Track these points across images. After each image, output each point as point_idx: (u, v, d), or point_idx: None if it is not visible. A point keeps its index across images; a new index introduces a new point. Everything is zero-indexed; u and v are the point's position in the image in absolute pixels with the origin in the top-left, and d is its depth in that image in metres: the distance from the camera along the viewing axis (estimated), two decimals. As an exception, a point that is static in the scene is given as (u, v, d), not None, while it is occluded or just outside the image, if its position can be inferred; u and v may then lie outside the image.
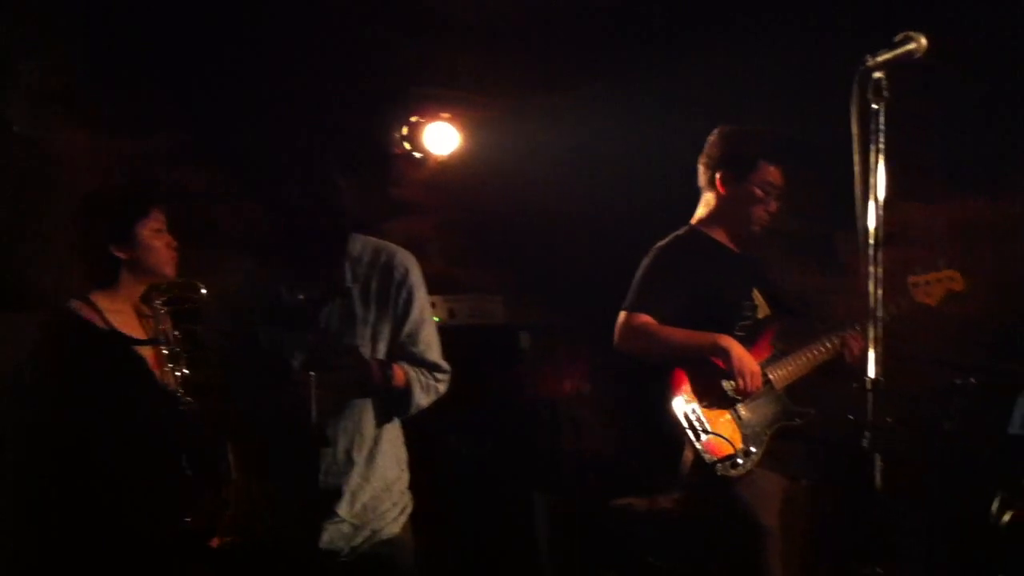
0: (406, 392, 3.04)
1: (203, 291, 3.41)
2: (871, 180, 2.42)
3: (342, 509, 3.00)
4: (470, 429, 4.87)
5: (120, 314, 3.42)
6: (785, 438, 3.65)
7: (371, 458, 3.05)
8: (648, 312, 3.64)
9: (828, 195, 4.50)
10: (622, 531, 5.00)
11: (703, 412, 3.57)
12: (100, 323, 3.35)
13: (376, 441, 3.07)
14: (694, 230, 3.84)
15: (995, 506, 4.02)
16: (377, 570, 3.07)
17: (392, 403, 3.07)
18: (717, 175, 3.79)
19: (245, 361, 3.02)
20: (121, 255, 3.38)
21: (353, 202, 2.96)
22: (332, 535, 3.00)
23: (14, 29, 4.25)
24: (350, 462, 3.02)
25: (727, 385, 3.59)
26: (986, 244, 5.29)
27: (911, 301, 3.85)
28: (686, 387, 3.61)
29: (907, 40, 2.50)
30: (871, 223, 2.43)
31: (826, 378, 3.80)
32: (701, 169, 3.86)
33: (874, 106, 2.42)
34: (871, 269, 2.43)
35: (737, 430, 3.59)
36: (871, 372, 2.40)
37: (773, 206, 3.80)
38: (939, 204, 5.36)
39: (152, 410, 3.27)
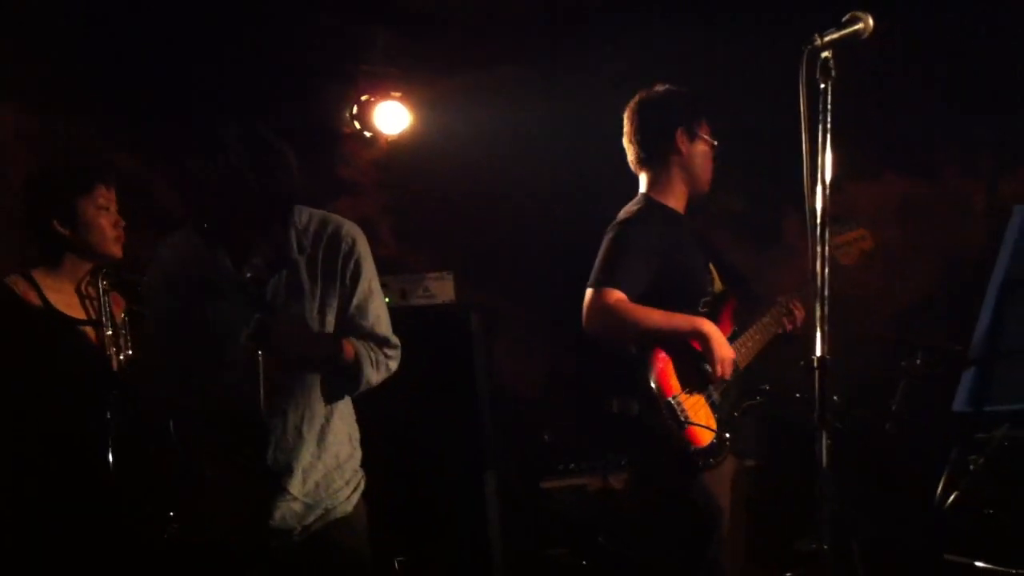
0: (356, 367, 2.97)
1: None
2: (819, 159, 2.43)
3: (293, 487, 2.95)
4: (422, 409, 4.85)
5: (60, 292, 3.39)
6: (744, 415, 3.62)
7: (322, 435, 3.00)
8: (619, 287, 3.42)
9: (774, 175, 4.55)
10: (574, 511, 5.04)
11: (683, 400, 3.45)
12: (36, 300, 3.31)
13: (327, 418, 3.02)
14: (649, 201, 3.68)
15: (940, 486, 4.07)
16: (329, 549, 3.02)
17: (342, 379, 3.01)
18: (677, 133, 3.65)
19: (190, 338, 2.95)
20: (64, 231, 3.35)
21: (298, 173, 2.89)
22: (284, 513, 2.95)
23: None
24: (300, 438, 2.96)
25: (702, 371, 3.49)
26: (928, 223, 5.36)
27: (835, 262, 3.68)
28: (667, 373, 3.48)
29: (855, 20, 2.51)
30: (818, 202, 2.44)
31: (772, 353, 3.78)
32: (634, 147, 3.71)
33: (822, 85, 2.43)
34: (818, 249, 2.43)
35: (712, 416, 3.50)
36: (818, 350, 2.41)
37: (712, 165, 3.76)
38: (880, 183, 5.43)
39: (89, 390, 3.25)
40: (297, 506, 2.97)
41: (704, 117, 3.72)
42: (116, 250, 3.43)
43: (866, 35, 2.52)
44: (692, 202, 3.76)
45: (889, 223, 5.20)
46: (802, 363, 2.43)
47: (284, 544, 2.98)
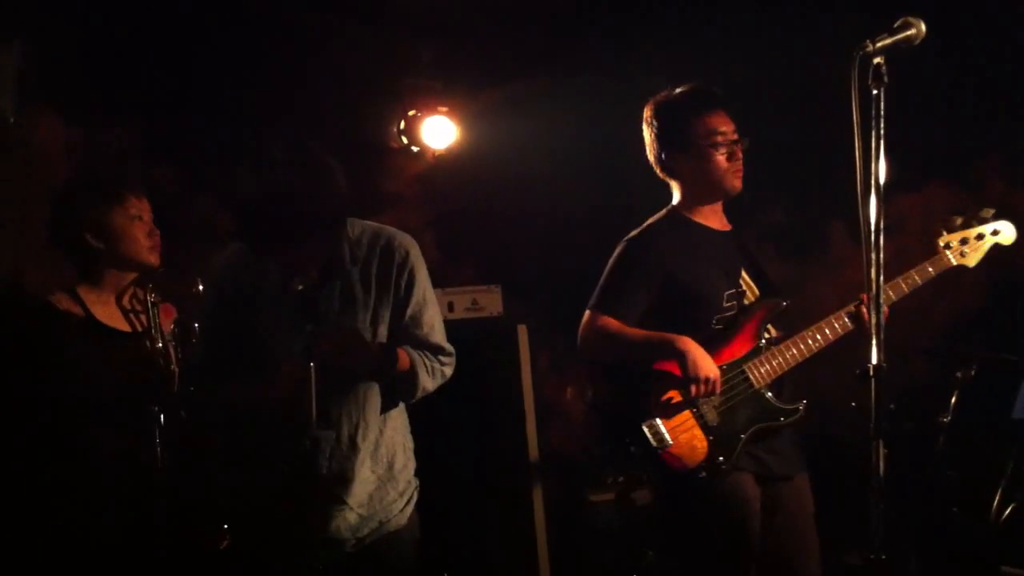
0: (411, 375, 2.98)
1: (200, 286, 3.35)
2: (872, 167, 2.41)
3: (349, 497, 2.96)
4: (469, 422, 4.86)
5: (105, 305, 3.40)
6: (768, 437, 3.40)
7: (376, 446, 3.01)
8: (611, 312, 3.40)
9: (817, 185, 4.52)
10: (623, 525, 5.01)
11: (663, 424, 3.31)
12: (80, 315, 3.34)
13: (381, 429, 3.03)
14: (671, 213, 3.57)
15: (997, 498, 4.02)
16: (383, 564, 3.02)
17: (397, 387, 3.02)
18: (663, 156, 3.54)
19: (241, 348, 2.97)
20: (97, 245, 3.36)
21: (347, 187, 2.88)
22: (338, 523, 2.96)
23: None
24: (354, 448, 2.96)
25: (680, 392, 3.33)
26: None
27: (944, 264, 3.51)
28: (647, 396, 3.36)
29: (907, 26, 2.50)
30: (872, 209, 2.42)
31: (819, 366, 3.55)
32: (652, 161, 3.60)
33: (874, 91, 2.41)
34: (872, 256, 2.41)
35: (703, 438, 3.32)
36: (874, 358, 2.38)
37: (736, 152, 3.48)
38: (926, 194, 5.37)
39: (140, 402, 3.27)
40: (352, 517, 2.98)
41: (695, 115, 3.49)
42: (152, 259, 3.43)
43: (918, 41, 2.50)
44: (731, 207, 3.62)
45: (934, 233, 5.15)
46: (857, 371, 2.40)
47: (336, 556, 2.98)
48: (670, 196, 3.66)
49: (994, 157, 5.39)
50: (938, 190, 5.47)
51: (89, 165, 4.54)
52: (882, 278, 2.41)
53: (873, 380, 2.37)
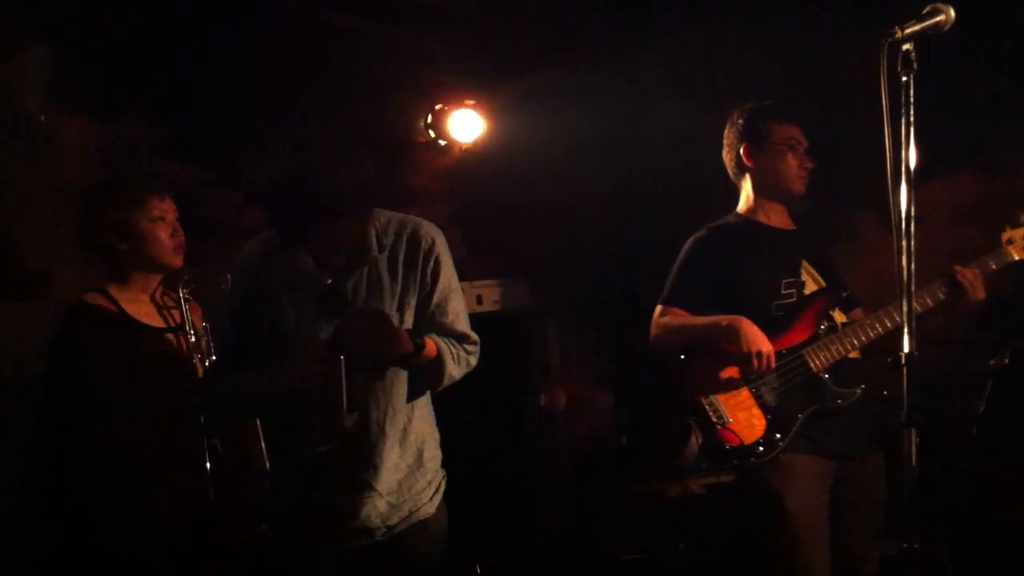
0: (438, 363, 2.99)
1: (229, 283, 3.39)
2: (902, 154, 2.40)
3: (379, 484, 2.98)
4: (496, 415, 4.87)
5: (137, 303, 3.44)
6: (826, 418, 3.53)
7: (405, 433, 3.03)
8: (678, 304, 3.68)
9: (849, 175, 4.50)
10: (654, 516, 5.00)
11: (720, 401, 3.52)
12: (114, 309, 3.37)
13: (409, 417, 3.05)
14: (735, 217, 3.83)
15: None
16: (412, 551, 3.05)
17: (424, 375, 3.03)
18: (741, 151, 3.78)
19: (270, 335, 2.99)
20: (123, 247, 3.40)
21: (375, 174, 2.90)
22: (368, 511, 2.98)
23: (25, 17, 4.26)
24: (383, 435, 2.98)
25: (738, 367, 3.53)
26: (1008, 222, 5.24)
27: (1006, 259, 3.59)
28: (705, 375, 3.57)
29: (935, 12, 2.48)
30: (903, 198, 2.40)
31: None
32: (727, 161, 3.86)
33: (903, 78, 2.40)
34: (903, 244, 2.40)
35: (761, 416, 3.51)
36: (906, 346, 2.37)
37: (806, 162, 3.75)
38: (957, 182, 5.33)
39: (178, 396, 3.29)
40: (382, 504, 3.00)
41: (775, 121, 3.76)
42: (176, 260, 3.46)
43: (947, 27, 2.49)
44: (795, 208, 3.85)
45: (966, 222, 5.11)
46: (889, 360, 2.40)
47: (368, 544, 3.01)
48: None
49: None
50: (967, 178, 5.43)
51: (113, 166, 4.58)
52: (913, 266, 2.40)
53: (905, 369, 2.37)
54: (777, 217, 3.80)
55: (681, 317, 3.65)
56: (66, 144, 4.57)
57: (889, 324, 3.51)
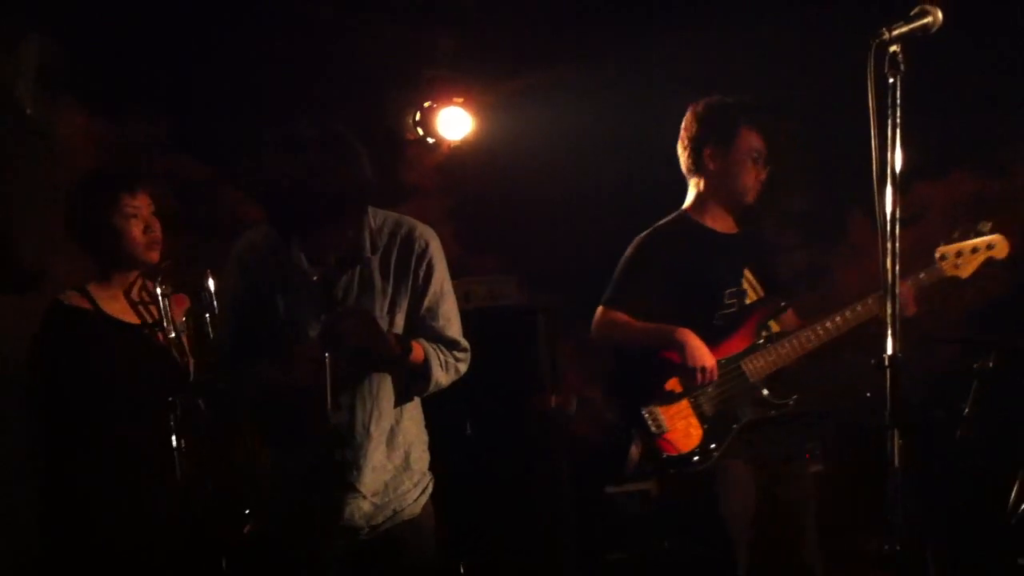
0: (425, 368, 2.98)
1: (211, 279, 3.44)
2: (888, 156, 2.40)
3: (362, 485, 2.97)
4: (487, 412, 4.87)
5: (115, 300, 3.46)
6: (761, 425, 3.60)
7: (392, 436, 3.02)
8: (621, 308, 3.66)
9: (841, 173, 4.50)
10: (639, 516, 5.01)
11: (660, 411, 3.56)
12: (89, 308, 3.39)
13: (397, 420, 3.03)
14: (681, 217, 3.79)
15: (1014, 493, 3.99)
16: (397, 550, 3.04)
17: (410, 379, 3.02)
18: (705, 152, 3.72)
19: (261, 330, 2.98)
20: (99, 244, 3.42)
21: (372, 171, 2.88)
22: (352, 511, 2.97)
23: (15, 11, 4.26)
24: (368, 436, 2.97)
25: (679, 380, 3.57)
26: (998, 222, 5.25)
27: (938, 274, 3.66)
28: (646, 384, 3.60)
29: (923, 13, 2.48)
30: (888, 200, 2.41)
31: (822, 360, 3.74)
32: (683, 153, 3.79)
33: (890, 80, 2.40)
34: (888, 245, 2.40)
35: (698, 426, 3.56)
36: (889, 348, 2.38)
37: (763, 173, 3.73)
38: (949, 181, 5.34)
39: (154, 391, 3.32)
40: (366, 505, 2.99)
41: (745, 126, 3.71)
42: (150, 256, 3.47)
43: (935, 29, 2.49)
44: (741, 213, 3.79)
45: (958, 222, 5.12)
46: (873, 361, 2.40)
47: (352, 543, 3.00)
48: (683, 188, 3.84)
49: (1019, 142, 5.36)
50: (961, 177, 5.44)
51: (109, 162, 4.57)
52: (898, 268, 2.41)
53: (889, 370, 2.37)
54: (723, 221, 3.78)
55: (623, 321, 3.64)
56: (62, 139, 4.56)
57: (823, 334, 3.59)
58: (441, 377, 3.03)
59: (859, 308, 3.58)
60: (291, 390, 2.88)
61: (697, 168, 3.75)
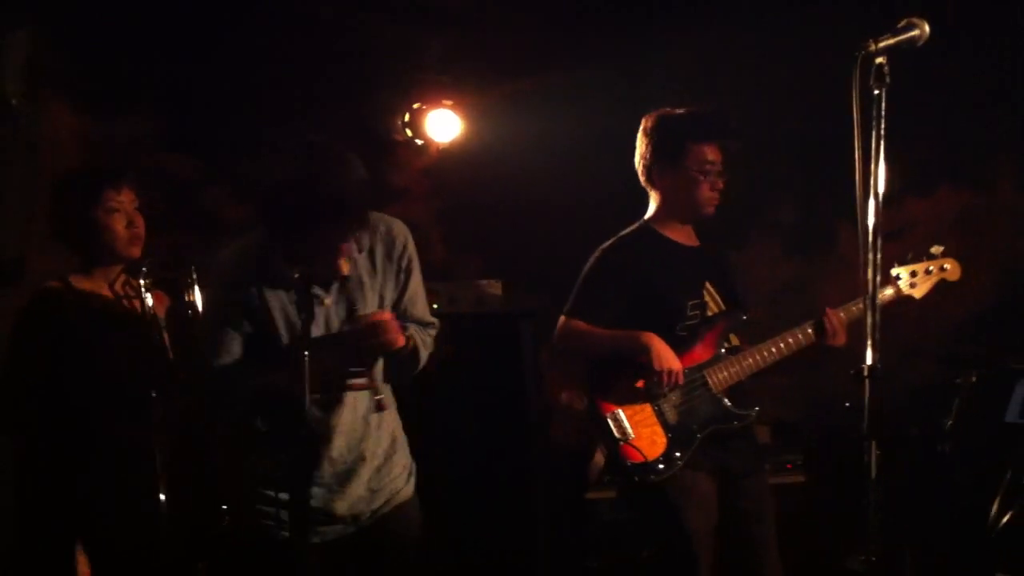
0: (415, 352, 3.17)
1: (194, 274, 3.47)
2: (872, 168, 2.40)
3: (364, 473, 3.12)
4: (469, 416, 4.87)
5: (97, 294, 3.44)
6: (724, 437, 3.59)
7: (381, 421, 3.17)
8: (583, 318, 3.62)
9: (827, 185, 4.51)
10: (620, 523, 5.01)
11: (626, 417, 3.55)
12: (73, 301, 3.39)
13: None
14: (643, 227, 3.76)
15: (995, 506, 4.00)
16: (395, 532, 3.19)
17: (404, 363, 3.18)
18: (653, 170, 3.70)
19: (246, 332, 3.04)
20: (82, 239, 3.41)
21: (365, 179, 2.92)
22: (353, 500, 3.11)
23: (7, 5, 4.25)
24: (367, 426, 3.13)
25: (645, 384, 3.55)
26: (983, 237, 5.28)
27: (892, 294, 3.72)
28: (611, 389, 3.59)
29: (910, 26, 2.49)
30: (871, 213, 2.41)
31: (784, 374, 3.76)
32: (638, 170, 3.76)
33: (875, 92, 2.40)
34: (869, 256, 2.41)
35: (662, 433, 3.54)
36: (868, 359, 2.38)
37: (718, 183, 3.67)
38: (936, 197, 5.36)
39: (135, 385, 3.33)
40: (364, 492, 3.13)
41: (692, 140, 3.64)
42: (132, 251, 3.46)
43: (921, 42, 2.50)
44: (699, 221, 3.76)
45: (944, 237, 5.14)
46: (852, 372, 2.41)
47: (353, 529, 3.13)
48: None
49: (1003, 157, 5.39)
50: (948, 192, 5.46)
51: (95, 157, 4.57)
52: (879, 279, 2.42)
53: (867, 381, 2.38)
54: (683, 234, 3.75)
55: (585, 329, 3.61)
56: (46, 133, 4.55)
57: (784, 348, 3.62)
58: (424, 356, 3.24)
59: (797, 338, 3.64)
60: (283, 390, 2.91)
61: (651, 184, 3.74)
